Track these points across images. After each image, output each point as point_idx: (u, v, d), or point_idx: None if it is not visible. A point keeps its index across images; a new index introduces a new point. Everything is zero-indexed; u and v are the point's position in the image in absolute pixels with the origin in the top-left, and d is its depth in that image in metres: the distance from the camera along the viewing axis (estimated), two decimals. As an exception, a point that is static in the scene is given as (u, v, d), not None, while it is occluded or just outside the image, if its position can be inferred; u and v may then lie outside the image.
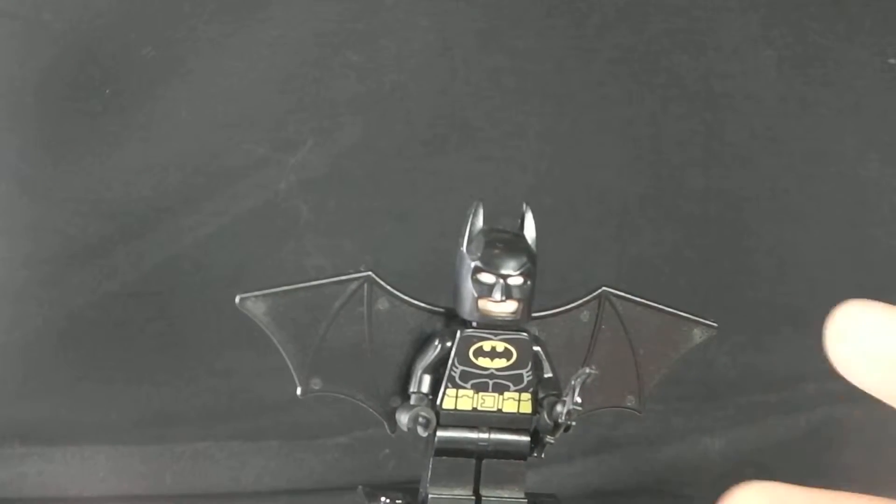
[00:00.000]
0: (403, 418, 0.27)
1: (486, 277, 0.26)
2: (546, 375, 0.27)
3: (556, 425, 0.26)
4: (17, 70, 0.49)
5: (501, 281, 0.26)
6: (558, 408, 0.26)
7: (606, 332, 0.28)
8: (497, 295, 0.26)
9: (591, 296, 0.28)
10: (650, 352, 0.28)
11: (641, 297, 0.28)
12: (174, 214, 0.51)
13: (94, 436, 0.52)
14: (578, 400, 0.26)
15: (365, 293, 0.28)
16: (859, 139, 0.52)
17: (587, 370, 0.26)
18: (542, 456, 0.27)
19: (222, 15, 0.49)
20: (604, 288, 0.28)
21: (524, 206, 0.27)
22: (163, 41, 0.49)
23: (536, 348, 0.27)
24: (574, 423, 0.26)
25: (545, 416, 0.26)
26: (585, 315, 0.28)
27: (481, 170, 0.51)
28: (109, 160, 0.50)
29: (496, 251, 0.26)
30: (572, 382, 0.26)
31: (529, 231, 0.27)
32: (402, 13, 0.50)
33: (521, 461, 0.27)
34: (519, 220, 0.28)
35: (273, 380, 0.54)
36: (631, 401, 0.28)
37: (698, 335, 0.28)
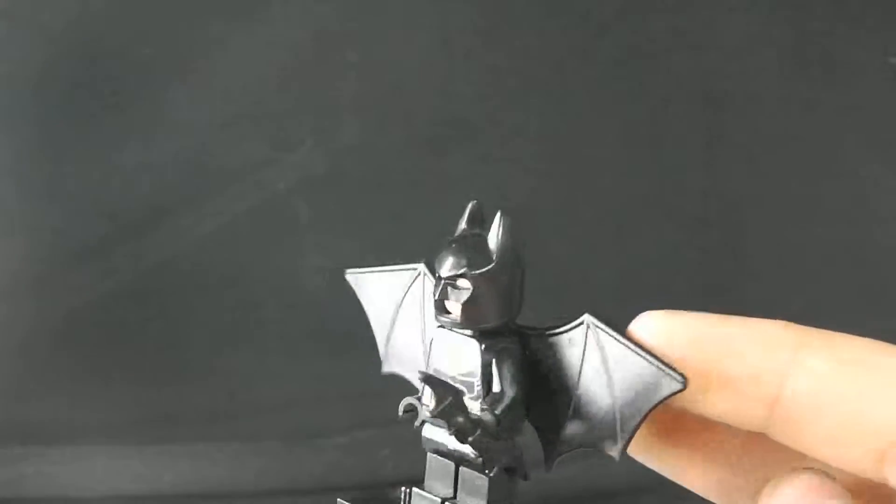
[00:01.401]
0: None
1: (437, 278, 0.26)
2: (494, 389, 0.25)
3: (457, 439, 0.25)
4: (16, 70, 0.49)
5: (443, 282, 0.26)
6: None
7: (590, 364, 0.25)
8: (436, 294, 0.26)
9: (576, 321, 0.26)
10: (627, 395, 0.25)
11: (619, 332, 0.25)
12: (174, 214, 0.51)
13: (94, 436, 0.52)
14: (428, 405, 0.25)
15: (420, 283, 0.28)
16: (860, 139, 0.52)
17: (418, 372, 0.25)
18: (490, 474, 0.26)
19: (222, 15, 0.49)
20: (587, 315, 0.25)
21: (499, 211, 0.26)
22: (163, 41, 0.49)
23: (489, 358, 0.26)
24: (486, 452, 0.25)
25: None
26: (574, 341, 0.26)
27: (481, 170, 0.51)
28: (109, 160, 0.50)
29: (445, 252, 0.26)
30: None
31: (494, 235, 0.26)
32: (402, 13, 0.50)
33: (484, 475, 0.26)
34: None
35: (272, 380, 0.54)
36: (609, 446, 0.25)
37: (665, 387, 0.24)
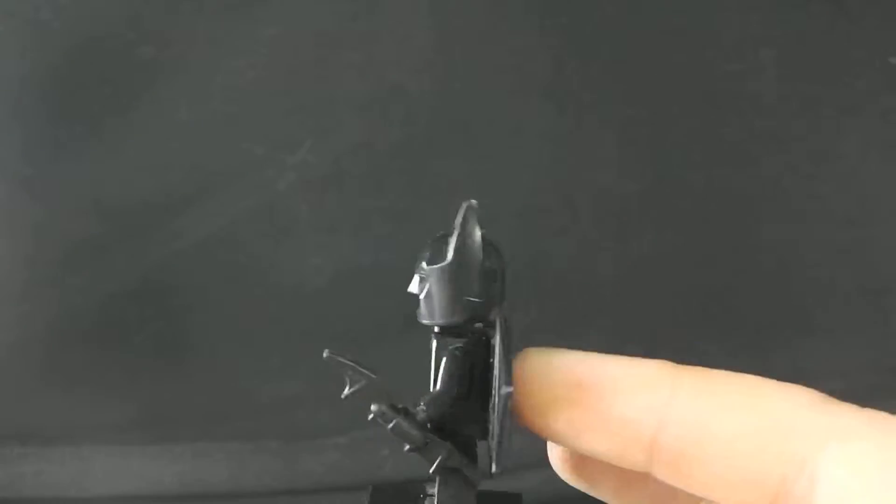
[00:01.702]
0: None
1: None
2: (437, 387, 0.25)
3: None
4: (16, 70, 0.49)
5: (415, 276, 0.26)
6: None
7: (493, 371, 0.24)
8: (409, 287, 0.26)
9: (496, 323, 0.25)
10: (500, 405, 0.23)
11: (503, 339, 0.24)
12: (174, 214, 0.51)
13: (94, 436, 0.52)
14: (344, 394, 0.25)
15: None
16: (860, 139, 0.52)
17: (325, 353, 0.25)
18: (431, 471, 0.26)
19: (222, 14, 0.49)
20: (497, 318, 0.24)
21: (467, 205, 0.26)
22: (163, 41, 0.49)
23: (442, 356, 0.25)
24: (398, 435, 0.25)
25: None
26: (492, 347, 0.25)
27: (481, 170, 0.51)
28: (109, 160, 0.50)
29: (424, 248, 0.26)
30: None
31: (455, 234, 0.25)
32: (402, 13, 0.50)
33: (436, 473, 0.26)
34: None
35: (272, 380, 0.54)
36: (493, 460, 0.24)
37: (503, 392, 0.23)
